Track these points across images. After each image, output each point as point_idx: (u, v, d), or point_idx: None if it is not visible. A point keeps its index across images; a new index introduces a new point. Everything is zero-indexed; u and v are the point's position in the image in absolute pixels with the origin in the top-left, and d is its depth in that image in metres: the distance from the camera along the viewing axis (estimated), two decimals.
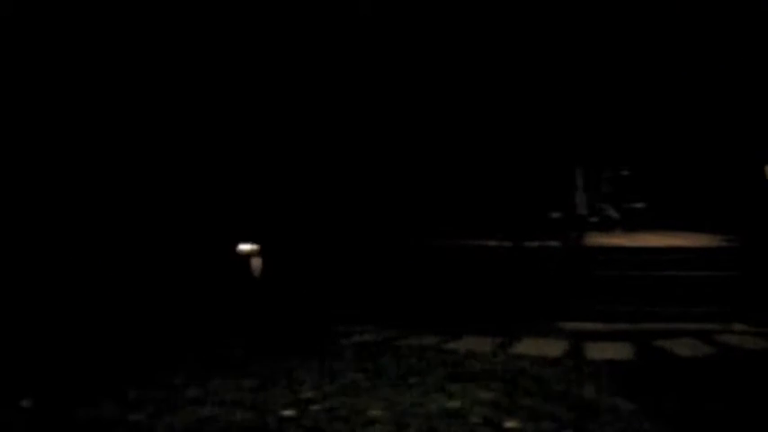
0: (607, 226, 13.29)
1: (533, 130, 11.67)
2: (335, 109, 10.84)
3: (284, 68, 10.58)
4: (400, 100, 11.37)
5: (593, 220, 13.18)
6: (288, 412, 5.24)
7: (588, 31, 12.13)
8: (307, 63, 10.60)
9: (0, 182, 8.76)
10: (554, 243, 10.32)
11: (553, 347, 7.56)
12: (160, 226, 10.26)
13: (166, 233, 10.26)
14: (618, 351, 7.37)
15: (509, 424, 4.93)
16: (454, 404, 5.40)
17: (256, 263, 10.43)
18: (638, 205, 13.57)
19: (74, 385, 6.01)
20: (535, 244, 10.20)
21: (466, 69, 11.55)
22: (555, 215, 11.61)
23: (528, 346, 7.62)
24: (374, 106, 11.14)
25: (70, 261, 9.41)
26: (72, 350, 7.48)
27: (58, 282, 9.19)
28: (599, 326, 8.77)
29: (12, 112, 8.45)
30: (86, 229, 9.66)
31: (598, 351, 7.38)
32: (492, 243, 10.47)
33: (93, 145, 9.62)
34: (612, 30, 12.41)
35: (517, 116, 11.63)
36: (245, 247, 10.43)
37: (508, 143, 11.72)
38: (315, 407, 5.36)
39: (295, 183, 10.83)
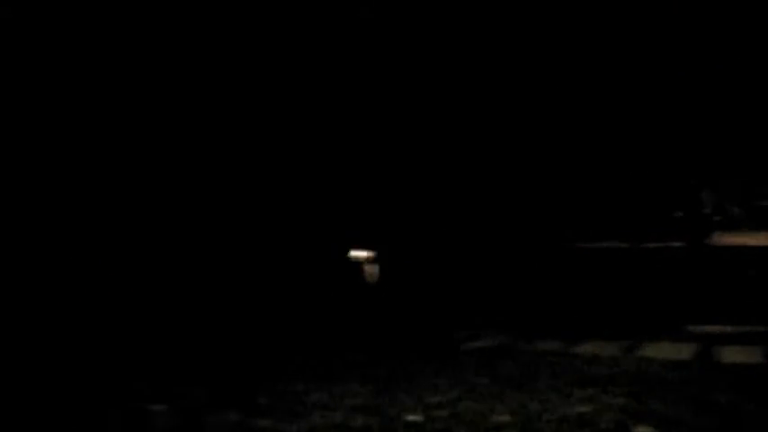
0: (732, 225, 12.81)
1: (653, 125, 11.37)
2: (459, 108, 10.79)
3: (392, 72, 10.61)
4: (526, 100, 11.25)
5: (717, 218, 12.73)
6: (413, 417, 5.21)
7: (712, 31, 11.75)
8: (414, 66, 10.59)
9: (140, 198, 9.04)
10: (677, 243, 10.01)
11: (681, 351, 7.32)
12: (276, 234, 10.41)
13: (281, 240, 10.40)
14: (750, 354, 7.08)
15: (641, 430, 4.77)
16: (583, 409, 5.27)
17: (371, 269, 10.47)
18: None
19: (202, 391, 6.13)
20: (657, 244, 9.92)
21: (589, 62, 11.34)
22: (677, 214, 11.26)
23: (655, 350, 7.40)
24: (500, 108, 11.05)
25: (196, 270, 9.64)
26: (198, 357, 7.64)
27: (184, 290, 9.42)
28: (728, 328, 8.45)
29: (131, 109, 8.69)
30: (208, 235, 9.88)
31: (729, 354, 7.11)
32: (611, 244, 10.24)
33: (207, 154, 9.84)
34: (736, 30, 11.98)
35: (638, 111, 11.35)
36: (358, 253, 10.49)
37: (626, 138, 11.45)
38: (440, 412, 5.32)
39: (408, 189, 10.83)
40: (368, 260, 10.52)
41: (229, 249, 9.99)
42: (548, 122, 11.34)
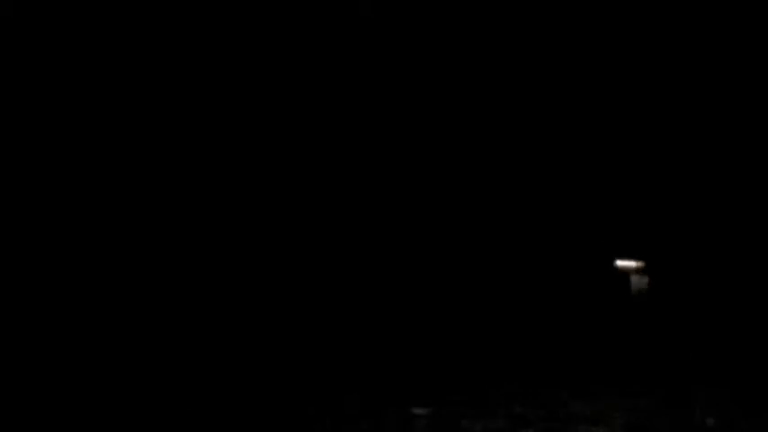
0: None
1: None
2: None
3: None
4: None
5: None
6: None
7: None
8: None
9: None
10: None
11: None
12: (536, 241, 10.24)
13: (541, 248, 10.21)
14: None
15: None
16: None
17: (639, 280, 10.02)
18: None
19: (460, 397, 6.10)
20: None
21: None
22: None
23: None
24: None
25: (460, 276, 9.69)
26: (455, 364, 7.63)
27: (447, 296, 9.49)
28: None
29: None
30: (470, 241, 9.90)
31: None
32: None
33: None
34: None
35: None
36: (625, 263, 10.07)
37: None
38: None
39: (685, 193, 10.25)
40: (636, 270, 10.08)
41: (496, 254, 9.95)
42: None
